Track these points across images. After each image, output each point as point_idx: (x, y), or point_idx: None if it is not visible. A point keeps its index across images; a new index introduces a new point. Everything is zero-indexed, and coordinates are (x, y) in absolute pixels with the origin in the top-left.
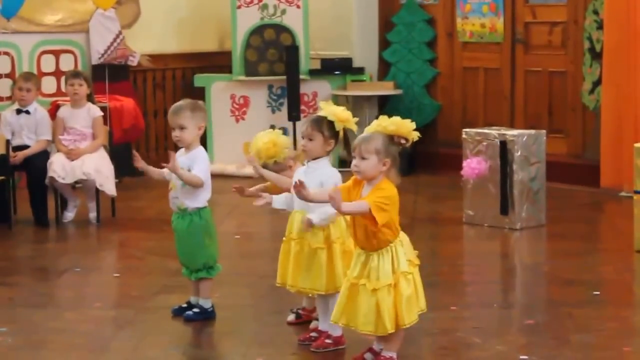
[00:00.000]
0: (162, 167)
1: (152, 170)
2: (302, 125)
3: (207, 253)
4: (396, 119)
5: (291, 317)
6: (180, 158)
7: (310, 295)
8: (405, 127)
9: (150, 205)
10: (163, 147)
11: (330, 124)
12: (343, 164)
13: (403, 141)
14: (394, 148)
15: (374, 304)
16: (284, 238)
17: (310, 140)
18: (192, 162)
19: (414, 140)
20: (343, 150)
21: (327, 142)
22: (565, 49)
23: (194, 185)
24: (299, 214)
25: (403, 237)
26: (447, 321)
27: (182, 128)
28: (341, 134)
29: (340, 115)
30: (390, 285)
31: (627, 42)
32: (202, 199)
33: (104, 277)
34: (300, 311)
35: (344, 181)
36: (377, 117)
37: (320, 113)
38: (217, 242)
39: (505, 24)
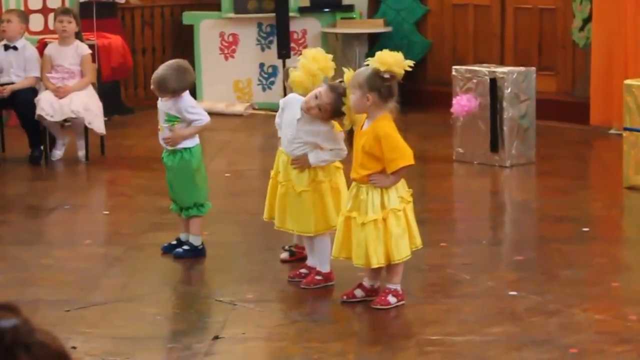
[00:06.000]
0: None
1: None
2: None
3: (197, 191)
4: (384, 55)
5: (285, 255)
6: (167, 104)
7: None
8: (389, 63)
9: (140, 143)
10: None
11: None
12: None
13: (387, 75)
14: (379, 82)
15: (363, 237)
16: (272, 173)
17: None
18: (180, 109)
19: (400, 74)
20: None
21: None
22: None
23: (204, 129)
24: (285, 154)
25: None
26: (436, 258)
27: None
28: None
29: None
30: (377, 220)
31: None
32: (192, 137)
33: (94, 215)
34: (293, 248)
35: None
36: (366, 55)
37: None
38: (207, 180)
39: None
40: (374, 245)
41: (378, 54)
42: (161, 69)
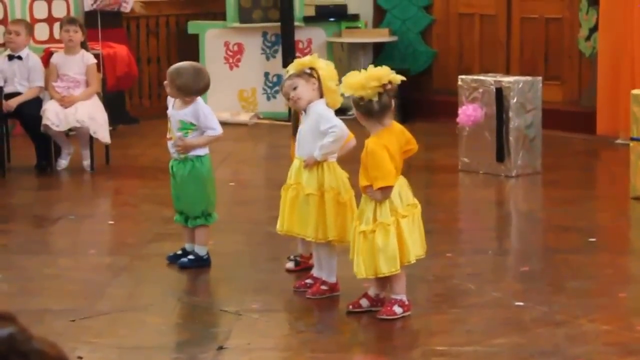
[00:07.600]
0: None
1: None
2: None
3: (206, 200)
4: (349, 79)
5: (290, 265)
6: (182, 111)
7: (302, 238)
8: (352, 88)
9: (145, 152)
10: (156, 94)
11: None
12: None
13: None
14: (356, 101)
15: (357, 248)
16: (284, 185)
17: (295, 88)
18: (197, 114)
19: (368, 96)
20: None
21: (310, 80)
22: None
23: (215, 141)
24: (299, 160)
25: (395, 186)
26: (442, 268)
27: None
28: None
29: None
30: (367, 232)
31: None
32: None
33: (99, 225)
34: (298, 258)
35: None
36: (372, 64)
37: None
38: (215, 190)
39: None
40: (363, 257)
41: (344, 78)
42: (181, 64)
